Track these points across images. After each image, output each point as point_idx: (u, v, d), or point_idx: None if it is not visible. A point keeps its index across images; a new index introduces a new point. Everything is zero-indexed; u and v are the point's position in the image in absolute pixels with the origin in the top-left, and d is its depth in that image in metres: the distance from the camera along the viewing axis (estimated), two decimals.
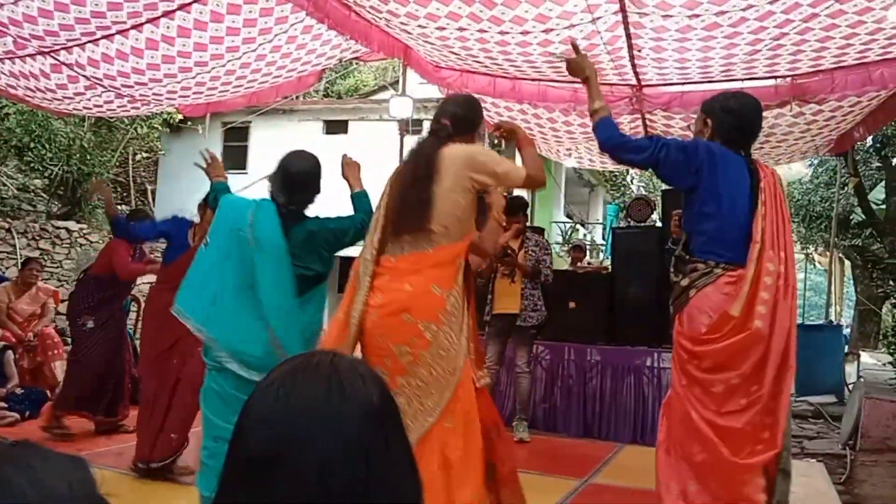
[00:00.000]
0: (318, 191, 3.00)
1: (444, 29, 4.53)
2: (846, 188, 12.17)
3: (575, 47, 3.03)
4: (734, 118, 2.75)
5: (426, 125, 13.52)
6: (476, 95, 6.01)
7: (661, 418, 2.78)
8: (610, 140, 2.77)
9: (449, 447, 2.39)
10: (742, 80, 5.25)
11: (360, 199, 3.15)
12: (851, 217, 13.74)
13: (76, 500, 0.61)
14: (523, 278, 5.41)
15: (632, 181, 19.79)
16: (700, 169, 2.61)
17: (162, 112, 12.01)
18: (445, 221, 2.53)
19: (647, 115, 5.91)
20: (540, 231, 6.44)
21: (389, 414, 0.83)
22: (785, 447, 2.45)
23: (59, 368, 6.40)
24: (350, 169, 3.22)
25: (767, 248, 2.51)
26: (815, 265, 21.61)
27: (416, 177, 2.60)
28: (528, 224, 5.84)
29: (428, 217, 2.52)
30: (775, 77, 5.13)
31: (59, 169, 12.83)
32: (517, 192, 6.01)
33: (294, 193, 2.92)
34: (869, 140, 11.34)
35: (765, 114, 5.48)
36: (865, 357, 11.46)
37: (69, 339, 7.32)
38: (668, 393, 2.78)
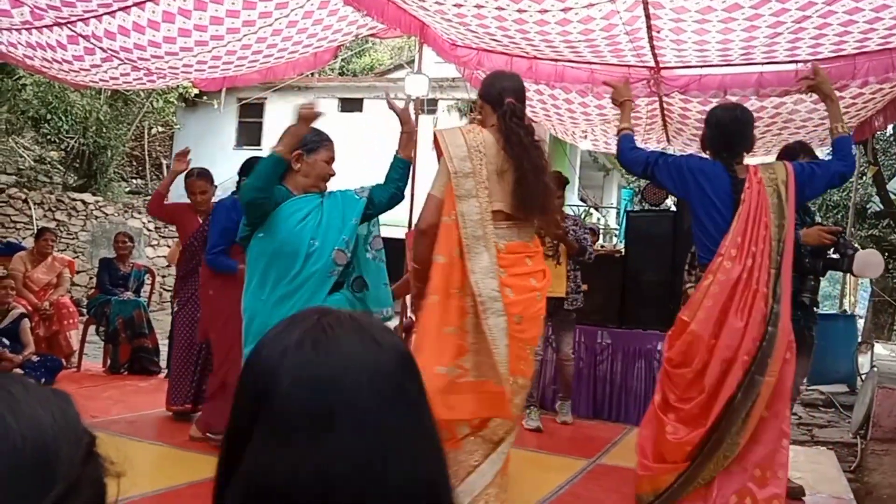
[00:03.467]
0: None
1: (461, 6, 4.49)
2: (864, 177, 12.02)
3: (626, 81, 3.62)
4: (714, 131, 3.07)
5: (441, 104, 13.51)
6: None
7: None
8: (621, 152, 3.31)
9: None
10: (762, 63, 5.18)
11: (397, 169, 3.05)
12: (869, 206, 13.60)
13: (59, 429, 0.59)
14: (568, 260, 5.28)
15: None
16: (685, 185, 3.02)
17: (178, 86, 12.04)
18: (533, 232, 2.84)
19: (665, 98, 5.85)
20: None
21: (416, 364, 0.84)
22: (729, 422, 2.76)
23: (74, 337, 6.49)
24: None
25: (725, 259, 2.81)
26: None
27: (541, 167, 2.72)
28: None
29: (549, 209, 2.83)
30: (796, 61, 5.05)
31: (75, 141, 12.91)
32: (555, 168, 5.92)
33: None
34: (889, 129, 11.19)
35: (784, 99, 5.47)
36: (879, 348, 11.39)
37: (84, 310, 7.41)
38: None
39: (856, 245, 4.15)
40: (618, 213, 18.41)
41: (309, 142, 2.82)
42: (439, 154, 2.76)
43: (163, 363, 6.36)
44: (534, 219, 2.73)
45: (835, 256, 3.56)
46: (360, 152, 14.66)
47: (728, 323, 2.77)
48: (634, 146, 3.28)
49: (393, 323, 4.58)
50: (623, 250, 6.59)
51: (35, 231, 8.67)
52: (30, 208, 11.20)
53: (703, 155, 3.21)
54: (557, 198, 5.11)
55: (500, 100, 2.79)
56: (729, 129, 3.04)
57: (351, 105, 15.67)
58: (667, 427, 2.88)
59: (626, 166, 3.42)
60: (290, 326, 0.81)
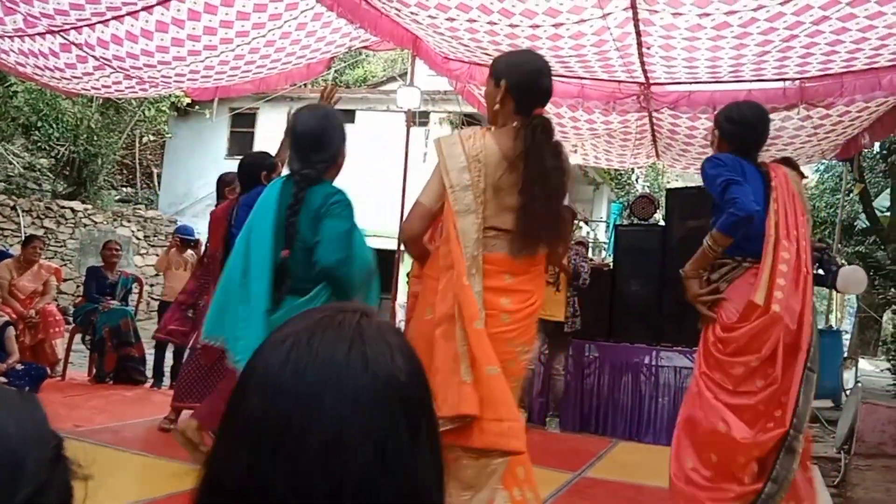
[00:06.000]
0: (334, 149, 2.61)
1: (453, 20, 4.53)
2: (851, 194, 12.14)
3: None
4: (736, 127, 2.92)
5: (433, 117, 13.54)
6: (483, 88, 6.03)
7: (682, 406, 2.89)
8: (724, 225, 2.66)
9: None
10: (750, 81, 5.24)
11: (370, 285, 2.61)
12: (856, 223, 13.71)
13: (25, 432, 0.58)
14: (568, 286, 5.54)
15: (637, 180, 19.77)
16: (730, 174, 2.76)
17: (170, 95, 12.04)
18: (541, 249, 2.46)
19: (654, 114, 5.91)
20: None
21: (420, 400, 0.71)
22: (794, 427, 2.56)
23: (60, 346, 6.44)
24: None
25: (781, 239, 2.66)
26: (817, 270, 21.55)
27: (555, 195, 2.37)
28: None
29: (558, 240, 2.44)
30: (784, 79, 5.12)
31: (65, 149, 12.90)
32: None
33: (305, 154, 2.56)
34: (876, 146, 11.29)
35: (772, 116, 5.47)
36: (864, 363, 11.47)
37: (70, 318, 7.37)
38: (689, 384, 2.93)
39: (841, 261, 4.19)
40: (607, 227, 18.49)
41: (344, 128, 2.69)
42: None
43: (149, 373, 6.32)
44: (534, 247, 2.36)
45: (819, 272, 3.57)
46: (352, 163, 14.72)
47: (789, 305, 2.60)
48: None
49: None
50: (612, 264, 6.62)
51: (22, 238, 8.62)
52: (18, 216, 11.13)
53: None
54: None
55: (532, 103, 2.39)
56: (756, 126, 2.96)
57: (343, 116, 15.69)
58: (719, 426, 2.58)
59: (735, 223, 2.65)
60: (296, 320, 0.74)
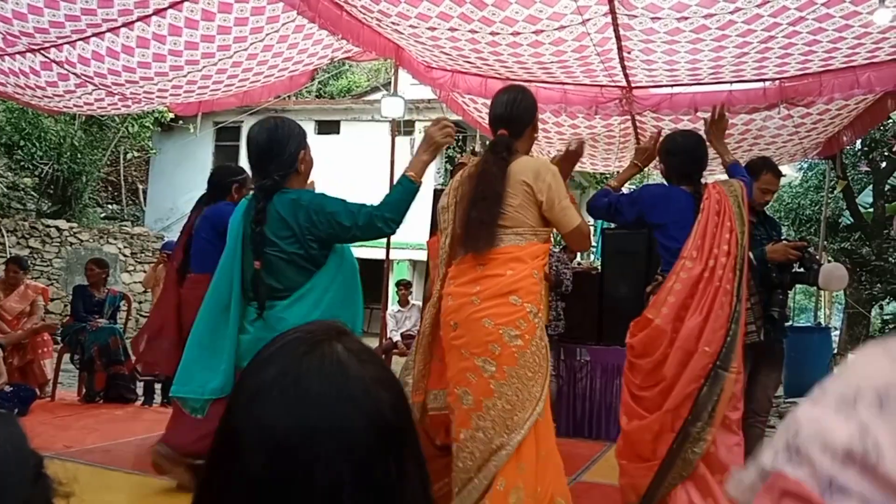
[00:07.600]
0: (288, 156, 2.58)
1: (435, 29, 4.55)
2: (835, 192, 12.26)
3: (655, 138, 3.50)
4: (673, 158, 3.27)
5: (418, 126, 13.54)
6: (467, 96, 6.04)
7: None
8: (591, 202, 3.47)
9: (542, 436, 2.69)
10: (730, 82, 5.29)
11: (399, 189, 2.65)
12: (840, 220, 13.83)
13: (6, 456, 0.58)
14: (550, 291, 5.51)
15: None
16: (643, 210, 3.24)
17: (153, 111, 12.00)
18: (516, 239, 2.65)
19: (637, 117, 5.95)
20: None
21: (404, 430, 0.71)
22: (693, 415, 2.85)
23: (49, 366, 6.38)
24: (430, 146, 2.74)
25: (685, 259, 2.98)
26: None
27: (479, 196, 2.65)
28: None
29: (490, 240, 2.61)
30: (763, 80, 5.17)
31: (49, 167, 12.81)
32: None
33: (261, 167, 2.59)
34: (857, 143, 11.41)
35: (753, 116, 5.58)
36: None
37: (58, 339, 7.31)
38: None
39: (827, 258, 4.24)
40: (594, 231, 18.51)
41: (302, 133, 2.66)
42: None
43: (139, 391, 6.28)
44: (468, 245, 2.68)
45: (801, 270, 3.67)
46: (337, 174, 14.72)
47: (688, 318, 2.92)
48: (604, 195, 3.42)
49: (372, 344, 4.56)
50: (599, 267, 6.64)
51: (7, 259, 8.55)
52: (3, 236, 11.05)
53: (659, 182, 3.43)
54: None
55: (493, 127, 2.82)
56: (692, 154, 3.24)
57: (328, 127, 15.71)
58: (633, 412, 3.06)
59: (593, 214, 3.58)
60: (275, 356, 0.72)
